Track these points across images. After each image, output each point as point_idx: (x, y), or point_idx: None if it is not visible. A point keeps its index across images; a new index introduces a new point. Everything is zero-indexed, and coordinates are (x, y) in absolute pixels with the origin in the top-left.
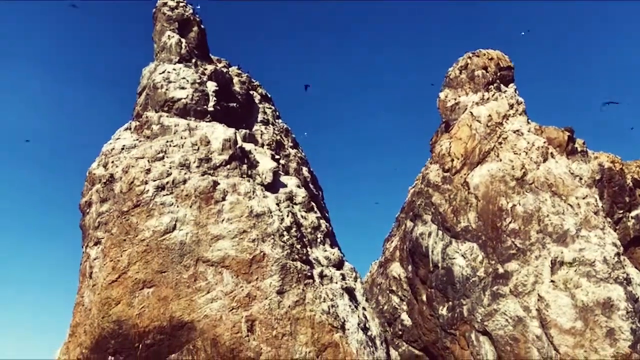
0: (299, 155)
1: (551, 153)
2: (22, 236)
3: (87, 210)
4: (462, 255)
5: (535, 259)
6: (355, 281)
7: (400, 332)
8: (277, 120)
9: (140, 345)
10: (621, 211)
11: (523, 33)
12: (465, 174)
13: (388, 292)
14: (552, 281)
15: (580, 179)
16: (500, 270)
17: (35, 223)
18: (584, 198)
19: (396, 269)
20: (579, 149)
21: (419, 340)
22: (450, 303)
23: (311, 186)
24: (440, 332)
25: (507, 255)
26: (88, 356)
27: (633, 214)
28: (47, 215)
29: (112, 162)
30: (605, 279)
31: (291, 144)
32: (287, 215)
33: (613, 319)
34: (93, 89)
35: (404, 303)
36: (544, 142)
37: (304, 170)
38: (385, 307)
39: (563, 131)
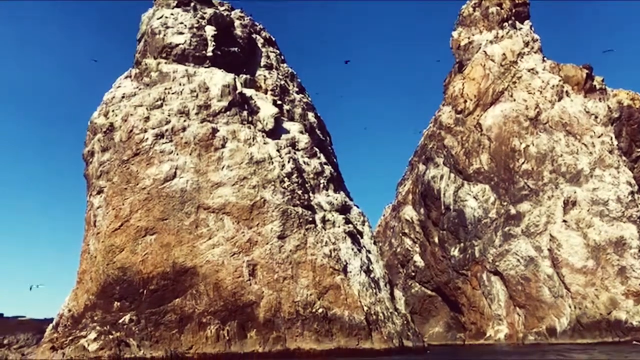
0: (305, 100)
1: (566, 92)
2: (34, 189)
3: (90, 160)
4: (474, 197)
5: (548, 199)
6: (363, 225)
7: (413, 274)
8: (281, 65)
9: (145, 291)
10: (639, 150)
11: None
12: (478, 115)
13: (401, 234)
14: (564, 221)
15: (596, 117)
16: (513, 211)
17: (43, 176)
18: (599, 137)
19: (409, 212)
20: (598, 87)
21: (431, 281)
22: (462, 244)
23: (318, 132)
24: (452, 272)
25: (519, 196)
26: (95, 302)
27: None
28: (55, 166)
29: (113, 110)
30: (618, 218)
31: (297, 89)
32: (289, 162)
33: (625, 257)
34: (100, 37)
35: (417, 245)
36: (560, 81)
37: (310, 115)
38: (399, 250)
39: (581, 69)
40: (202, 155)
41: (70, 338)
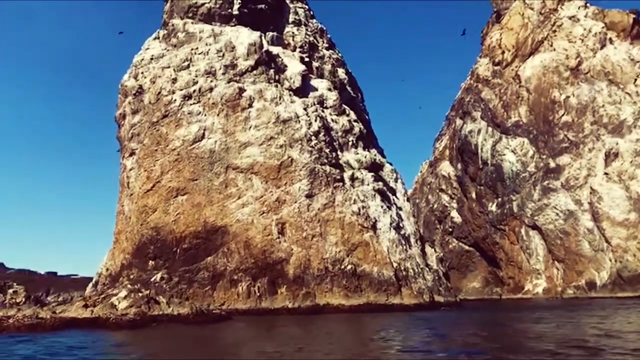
0: (335, 56)
1: (610, 39)
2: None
3: (122, 122)
4: (512, 151)
5: (589, 151)
6: (396, 182)
7: (450, 229)
8: (310, 21)
9: (178, 250)
10: None
11: None
12: (516, 67)
13: (438, 191)
14: (605, 173)
15: None
16: (552, 165)
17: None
18: None
19: (445, 167)
20: None
21: (468, 237)
22: (500, 199)
23: (348, 88)
24: (489, 228)
25: (559, 149)
26: (130, 261)
27: None
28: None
29: (142, 73)
30: None
31: (326, 45)
32: (316, 120)
33: None
34: None
35: (454, 201)
36: (602, 28)
37: (340, 72)
38: (435, 206)
39: (628, 14)
40: (230, 116)
41: (102, 296)
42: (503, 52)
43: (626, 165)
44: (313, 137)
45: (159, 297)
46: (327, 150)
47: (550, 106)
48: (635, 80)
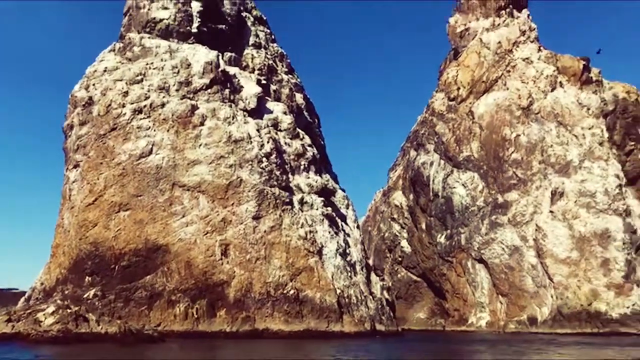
0: (294, 81)
1: (560, 82)
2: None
3: (69, 133)
4: (463, 185)
5: (536, 189)
6: (347, 208)
7: (400, 259)
8: (271, 45)
9: (117, 267)
10: (633, 143)
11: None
12: (470, 103)
13: (390, 220)
14: (551, 211)
15: (588, 109)
16: (500, 200)
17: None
18: (589, 129)
19: (398, 197)
20: (594, 79)
21: (417, 267)
22: (449, 231)
23: (305, 113)
24: (437, 259)
25: (507, 185)
26: (66, 276)
27: None
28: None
29: (93, 84)
30: (605, 210)
31: (286, 70)
32: (268, 142)
33: (609, 249)
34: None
35: (405, 231)
36: (554, 71)
37: (298, 96)
38: (387, 235)
39: (579, 60)
40: (180, 133)
41: (29, 311)
42: (458, 88)
43: (570, 204)
44: (264, 159)
45: (89, 315)
46: (278, 173)
47: (501, 143)
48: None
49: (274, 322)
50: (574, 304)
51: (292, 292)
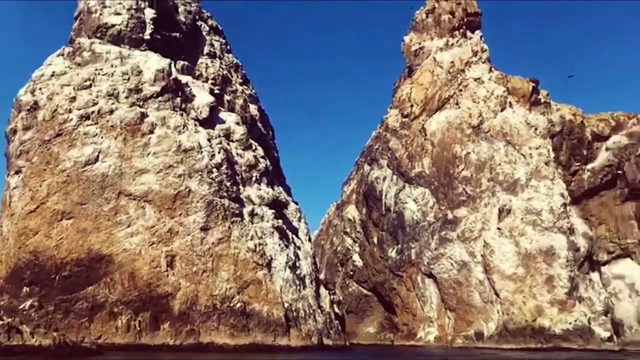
0: (248, 92)
1: (510, 102)
2: None
3: (12, 138)
4: (414, 200)
5: (484, 206)
6: (300, 221)
7: (351, 273)
8: (226, 55)
9: (57, 277)
10: (578, 163)
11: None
12: (423, 120)
13: (342, 233)
14: (498, 228)
15: (536, 129)
16: (450, 216)
17: None
18: (537, 148)
19: (351, 211)
20: (542, 100)
21: (368, 281)
22: (400, 246)
23: (259, 124)
24: (388, 273)
25: (457, 201)
26: (3, 286)
27: (589, 166)
28: None
29: (40, 88)
30: (550, 228)
31: (240, 80)
32: (219, 152)
33: (553, 266)
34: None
35: (357, 245)
36: (504, 92)
37: (252, 107)
38: (339, 248)
39: (528, 82)
40: (128, 140)
41: None
42: (412, 106)
43: (517, 221)
44: (214, 169)
45: (23, 327)
46: (228, 184)
47: (452, 160)
48: None
49: (219, 335)
50: (519, 320)
51: (239, 305)
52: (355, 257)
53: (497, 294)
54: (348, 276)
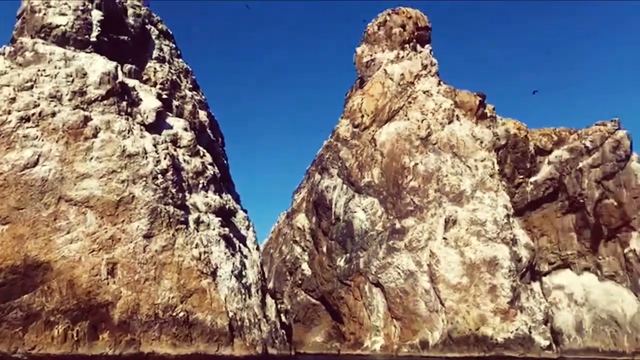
0: (198, 97)
1: (457, 115)
2: None
3: None
4: (363, 210)
5: (431, 216)
6: (248, 229)
7: (300, 282)
8: (176, 60)
9: None
10: (522, 176)
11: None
12: (373, 131)
13: (292, 242)
14: (444, 238)
15: (482, 142)
16: (398, 226)
17: None
18: (482, 161)
19: (301, 220)
20: (489, 114)
21: (316, 290)
22: (348, 255)
23: (208, 131)
24: (336, 282)
25: (405, 211)
26: None
27: (532, 179)
28: None
29: None
30: (493, 239)
31: (190, 86)
32: (165, 158)
33: (496, 276)
34: None
35: (306, 253)
36: (451, 105)
37: (202, 114)
38: (288, 257)
39: (475, 96)
40: (70, 144)
41: None
42: (363, 116)
43: (462, 232)
44: (160, 175)
45: None
46: (174, 190)
47: (400, 171)
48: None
49: (160, 345)
50: (463, 329)
51: (181, 314)
52: (304, 265)
53: (442, 303)
54: (296, 285)
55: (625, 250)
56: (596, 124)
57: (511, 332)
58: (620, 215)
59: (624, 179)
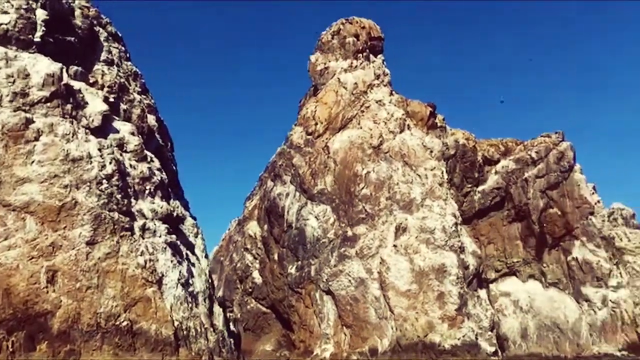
0: (147, 102)
1: (408, 125)
2: None
3: None
4: (316, 217)
5: (382, 224)
6: (196, 237)
7: (250, 290)
8: (125, 63)
9: None
10: (470, 185)
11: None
12: (327, 139)
13: (243, 250)
14: (394, 246)
15: (431, 152)
16: (349, 233)
17: None
18: (432, 170)
19: (253, 227)
20: (439, 124)
21: (267, 298)
22: (300, 263)
23: (157, 136)
24: (287, 290)
25: (357, 219)
26: None
27: (480, 188)
28: None
29: None
30: (442, 246)
31: (139, 90)
32: (110, 162)
33: (444, 283)
34: None
35: (257, 261)
36: (403, 115)
37: (151, 118)
38: (239, 265)
39: (426, 106)
40: (10, 147)
41: None
42: (316, 124)
43: (412, 239)
44: (104, 181)
45: None
46: (119, 196)
47: (353, 179)
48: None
49: (102, 355)
50: (412, 335)
51: (125, 323)
52: (255, 274)
53: (391, 310)
54: (247, 293)
55: (568, 258)
56: (541, 136)
57: (458, 339)
58: (564, 224)
59: (568, 189)
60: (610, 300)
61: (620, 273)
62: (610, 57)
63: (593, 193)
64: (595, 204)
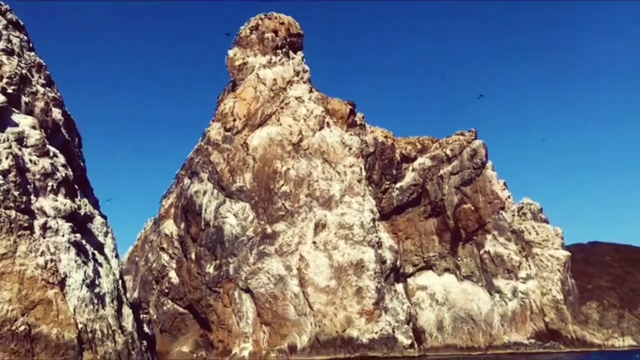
0: (52, 95)
1: (327, 122)
2: None
3: None
4: (234, 215)
5: (302, 220)
6: (106, 236)
7: (167, 290)
8: (27, 53)
9: None
10: (388, 182)
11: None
12: (245, 135)
13: (159, 249)
14: (314, 242)
15: (350, 149)
16: (269, 231)
17: None
18: (350, 167)
19: (169, 226)
20: (358, 122)
21: (184, 299)
22: (218, 261)
23: (63, 130)
24: (205, 289)
25: (276, 216)
26: None
27: (398, 185)
28: None
29: None
30: (360, 242)
31: (43, 82)
32: (7, 157)
33: (362, 278)
34: None
35: (174, 261)
36: (322, 112)
37: (56, 112)
38: (154, 265)
39: (346, 104)
40: None
41: None
42: (235, 120)
43: (331, 236)
44: (0, 177)
45: None
46: (16, 193)
47: (272, 176)
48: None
49: None
50: (330, 331)
51: (22, 328)
52: (172, 273)
53: (310, 307)
54: (163, 294)
55: (481, 252)
56: (455, 134)
57: (375, 333)
58: (477, 219)
59: (480, 185)
60: (520, 291)
61: (529, 265)
62: (508, 58)
63: (504, 189)
64: (506, 199)
